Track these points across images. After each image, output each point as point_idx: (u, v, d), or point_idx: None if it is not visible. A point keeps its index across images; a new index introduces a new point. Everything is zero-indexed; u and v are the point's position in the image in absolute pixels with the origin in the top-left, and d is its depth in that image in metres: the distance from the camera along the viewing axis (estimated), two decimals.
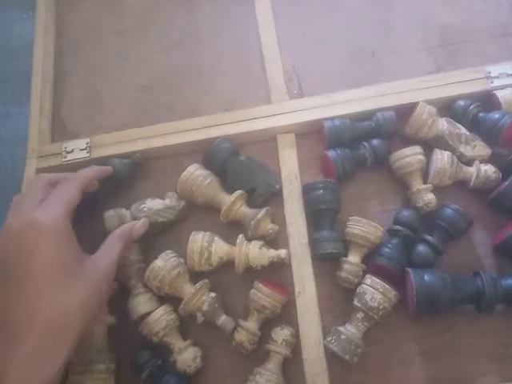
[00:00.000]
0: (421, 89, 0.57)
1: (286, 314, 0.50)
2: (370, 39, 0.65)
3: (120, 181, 0.58)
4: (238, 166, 0.56)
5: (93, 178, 0.52)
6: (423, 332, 0.48)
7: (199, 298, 0.49)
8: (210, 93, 0.65)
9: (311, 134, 0.59)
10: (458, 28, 0.64)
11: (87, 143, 0.61)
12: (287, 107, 0.59)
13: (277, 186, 0.55)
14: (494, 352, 0.47)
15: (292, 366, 0.48)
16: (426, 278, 0.46)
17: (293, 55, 0.65)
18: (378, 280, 0.46)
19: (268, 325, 0.49)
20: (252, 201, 0.55)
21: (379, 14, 0.67)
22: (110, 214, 0.54)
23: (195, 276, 0.51)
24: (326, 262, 0.51)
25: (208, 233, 0.52)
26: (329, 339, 0.46)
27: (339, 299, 0.50)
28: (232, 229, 0.54)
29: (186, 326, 0.51)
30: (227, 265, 0.51)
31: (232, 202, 0.52)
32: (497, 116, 0.52)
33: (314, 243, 0.51)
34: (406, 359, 0.48)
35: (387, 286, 0.46)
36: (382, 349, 0.48)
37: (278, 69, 0.63)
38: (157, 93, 0.66)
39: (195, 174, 0.54)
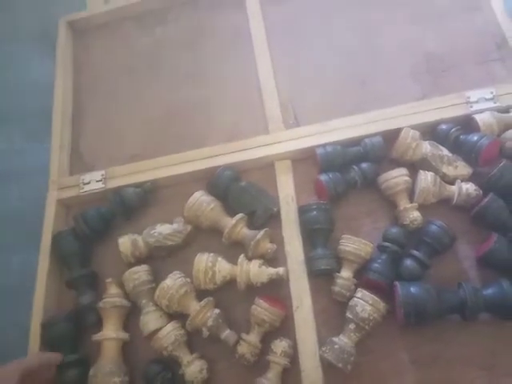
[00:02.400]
0: (406, 115, 0.62)
1: (285, 326, 0.54)
2: (361, 69, 0.70)
3: (133, 208, 0.64)
4: (239, 191, 0.60)
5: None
6: (414, 342, 0.51)
7: (204, 314, 0.53)
8: (213, 125, 0.71)
9: (306, 160, 0.63)
10: (444, 55, 0.69)
11: (102, 175, 0.67)
12: (283, 136, 0.64)
13: (275, 209, 0.60)
14: (482, 359, 0.50)
15: (290, 376, 0.51)
16: (413, 290, 0.49)
17: (288, 88, 0.70)
18: (367, 293, 0.50)
19: (268, 337, 0.53)
20: (252, 223, 0.59)
21: (369, 45, 0.72)
22: (124, 240, 0.60)
23: (201, 294, 0.55)
24: (322, 278, 0.55)
25: (212, 254, 0.56)
26: (323, 349, 0.49)
27: (334, 313, 0.54)
28: (234, 249, 0.58)
29: (192, 340, 0.55)
30: (230, 283, 0.56)
31: (233, 225, 0.57)
32: (476, 138, 0.56)
33: (309, 261, 0.55)
34: (399, 368, 0.51)
35: (376, 298, 0.49)
36: (375, 358, 0.51)
37: (274, 101, 0.69)
38: (165, 126, 0.73)
39: (200, 199, 0.59)
